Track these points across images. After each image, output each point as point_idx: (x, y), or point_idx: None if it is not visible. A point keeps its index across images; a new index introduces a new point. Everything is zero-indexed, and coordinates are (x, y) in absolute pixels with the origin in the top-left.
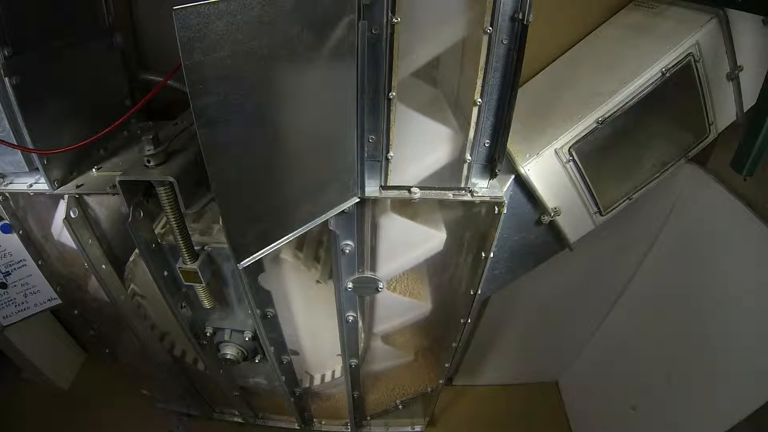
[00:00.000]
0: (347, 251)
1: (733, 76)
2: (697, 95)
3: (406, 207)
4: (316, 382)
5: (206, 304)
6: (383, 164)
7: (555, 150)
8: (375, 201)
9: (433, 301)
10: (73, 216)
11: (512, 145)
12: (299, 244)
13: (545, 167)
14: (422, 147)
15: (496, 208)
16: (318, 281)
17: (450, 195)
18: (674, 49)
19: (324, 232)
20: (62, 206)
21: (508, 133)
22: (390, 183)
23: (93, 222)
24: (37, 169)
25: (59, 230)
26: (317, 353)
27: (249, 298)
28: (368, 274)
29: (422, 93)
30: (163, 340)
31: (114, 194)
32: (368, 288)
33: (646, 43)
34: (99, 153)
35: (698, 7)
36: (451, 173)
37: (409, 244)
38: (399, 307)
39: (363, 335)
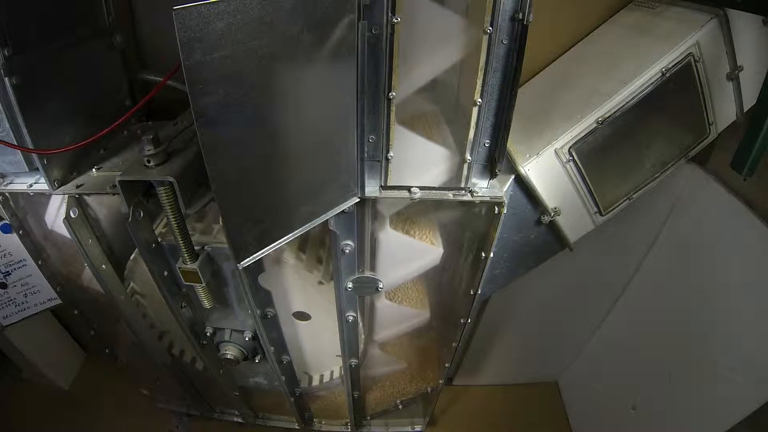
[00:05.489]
0: (347, 251)
1: (733, 76)
2: (697, 95)
3: (404, 223)
4: (315, 382)
5: (206, 304)
6: (383, 164)
7: (555, 150)
8: (375, 202)
9: (432, 309)
10: (73, 216)
11: (512, 145)
12: (302, 245)
13: (545, 167)
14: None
15: (496, 208)
16: (321, 282)
17: (450, 195)
18: (674, 49)
19: (326, 234)
20: (56, 198)
21: (508, 133)
22: (390, 183)
23: (93, 222)
24: (37, 169)
25: (52, 220)
26: (317, 353)
27: (249, 298)
28: (368, 274)
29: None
30: (163, 340)
31: (114, 194)
32: (368, 288)
33: (646, 43)
34: (99, 153)
35: (698, 7)
36: (450, 173)
37: (407, 259)
38: (398, 316)
39: (363, 336)
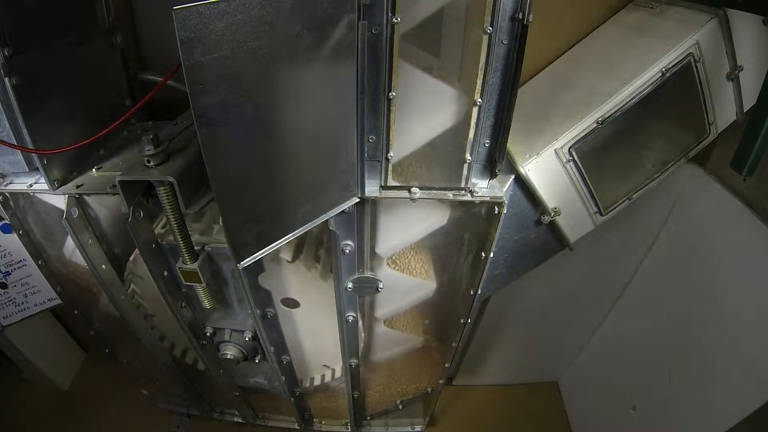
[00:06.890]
0: (347, 251)
1: (733, 76)
2: (697, 95)
3: None
4: (314, 383)
5: (206, 304)
6: (383, 164)
7: (555, 150)
8: (375, 203)
9: (438, 279)
10: (73, 216)
11: (512, 145)
12: (299, 244)
13: (545, 167)
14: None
15: (496, 208)
16: (288, 260)
17: (450, 195)
18: (674, 49)
19: (324, 233)
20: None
21: (508, 133)
22: (390, 183)
23: (93, 222)
24: (37, 169)
25: (71, 250)
26: (317, 353)
27: (249, 298)
28: (368, 274)
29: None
30: (164, 340)
31: (114, 194)
32: (368, 288)
33: (646, 43)
34: (99, 153)
35: (698, 7)
36: (451, 173)
37: (411, 220)
38: (403, 287)
39: (363, 333)
